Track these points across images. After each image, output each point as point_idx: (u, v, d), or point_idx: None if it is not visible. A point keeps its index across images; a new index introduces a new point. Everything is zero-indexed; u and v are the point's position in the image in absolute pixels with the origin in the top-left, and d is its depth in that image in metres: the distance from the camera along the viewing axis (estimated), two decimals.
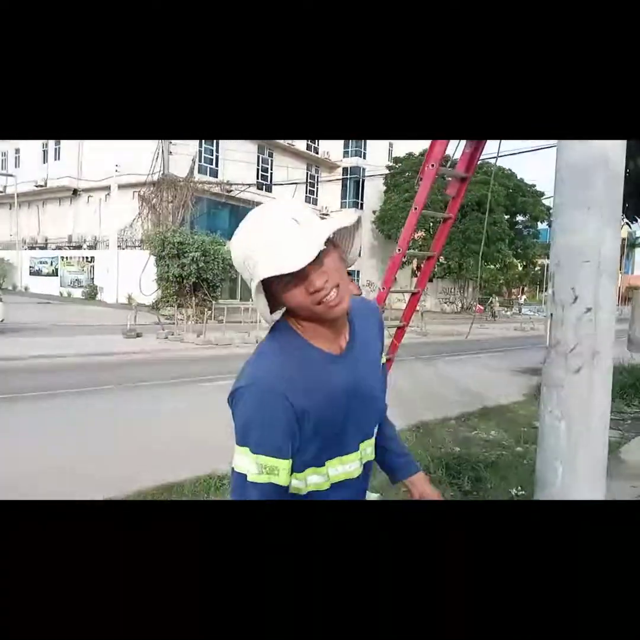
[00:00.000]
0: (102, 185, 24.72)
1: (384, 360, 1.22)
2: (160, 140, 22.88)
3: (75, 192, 27.24)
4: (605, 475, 2.20)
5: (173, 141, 22.89)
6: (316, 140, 31.24)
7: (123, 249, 23.94)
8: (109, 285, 23.89)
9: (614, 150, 2.09)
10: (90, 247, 26.33)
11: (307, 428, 0.99)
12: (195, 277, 17.55)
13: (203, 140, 25.15)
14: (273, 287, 0.96)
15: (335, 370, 1.05)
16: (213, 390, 6.84)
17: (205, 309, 15.75)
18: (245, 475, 0.97)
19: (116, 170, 23.49)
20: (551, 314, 2.20)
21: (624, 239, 40.83)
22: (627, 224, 8.52)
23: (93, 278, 25.14)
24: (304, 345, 1.03)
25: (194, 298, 17.76)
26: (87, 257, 25.81)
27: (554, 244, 2.23)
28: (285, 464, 0.98)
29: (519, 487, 3.65)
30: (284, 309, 1.04)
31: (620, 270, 45.10)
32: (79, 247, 26.94)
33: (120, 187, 23.78)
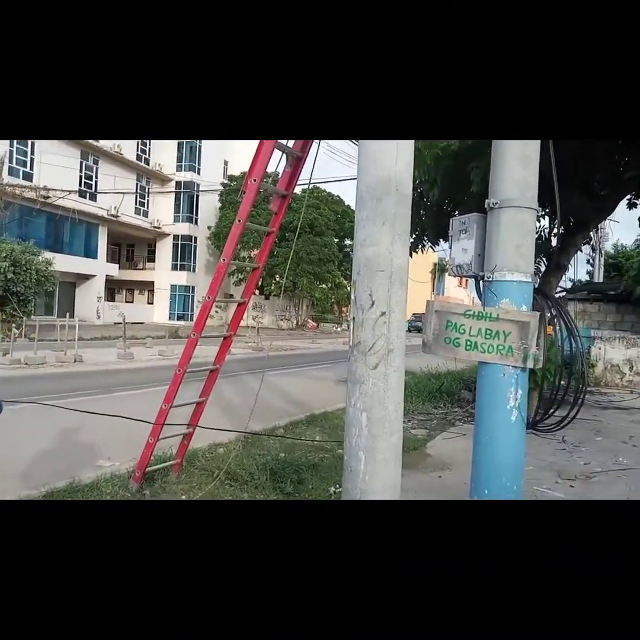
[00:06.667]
0: None
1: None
2: None
3: None
4: (400, 460, 2.50)
5: None
6: (147, 151, 30.09)
7: None
8: None
9: (403, 176, 2.42)
10: None
11: None
12: (2, 290, 15.72)
13: (15, 140, 22.64)
14: None
15: None
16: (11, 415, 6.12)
17: (13, 326, 14.05)
18: None
19: None
20: (353, 318, 2.45)
21: (435, 264, 46.05)
22: (431, 248, 9.67)
23: None
24: None
25: (0, 313, 15.82)
26: None
27: (355, 256, 2.49)
28: None
29: (337, 485, 3.91)
30: None
31: (433, 291, 51.03)
32: None
33: None
